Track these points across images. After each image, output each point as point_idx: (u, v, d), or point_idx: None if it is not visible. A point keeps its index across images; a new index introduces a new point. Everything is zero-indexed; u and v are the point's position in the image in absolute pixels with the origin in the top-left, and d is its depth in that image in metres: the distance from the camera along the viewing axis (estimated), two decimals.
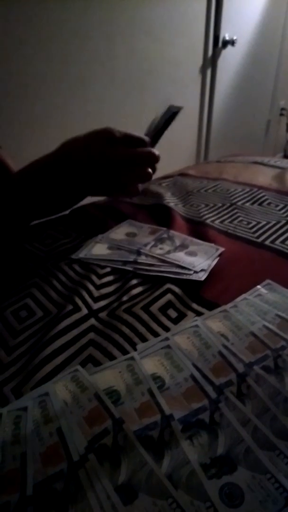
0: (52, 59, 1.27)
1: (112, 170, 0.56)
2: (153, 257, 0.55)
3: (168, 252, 0.56)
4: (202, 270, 0.51)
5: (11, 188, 0.59)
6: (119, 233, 0.63)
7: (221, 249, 0.58)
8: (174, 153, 1.83)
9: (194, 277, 0.50)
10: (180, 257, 0.55)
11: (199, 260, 0.54)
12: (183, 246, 0.59)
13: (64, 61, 1.30)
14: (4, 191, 0.59)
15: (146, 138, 0.58)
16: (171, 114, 0.59)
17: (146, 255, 0.55)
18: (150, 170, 0.58)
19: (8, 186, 0.59)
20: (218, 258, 0.55)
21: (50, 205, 0.63)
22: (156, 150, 0.57)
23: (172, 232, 0.63)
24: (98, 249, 0.58)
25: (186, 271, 0.51)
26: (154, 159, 0.57)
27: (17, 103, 1.22)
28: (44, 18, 1.19)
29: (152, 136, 0.60)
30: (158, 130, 0.60)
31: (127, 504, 0.26)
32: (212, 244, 0.60)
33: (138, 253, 0.56)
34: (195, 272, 0.51)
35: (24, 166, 0.61)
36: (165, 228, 0.64)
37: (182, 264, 0.53)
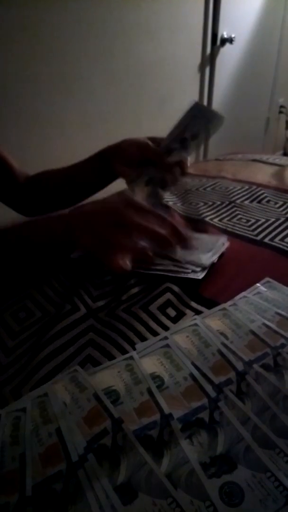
0: (50, 58, 1.26)
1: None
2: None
3: None
4: (202, 269, 0.51)
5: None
6: None
7: (222, 238, 0.58)
8: None
9: (192, 275, 0.50)
10: (182, 253, 0.55)
11: (202, 254, 0.54)
12: None
13: (62, 59, 1.30)
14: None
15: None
16: (190, 110, 0.55)
17: None
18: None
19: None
20: (223, 249, 0.56)
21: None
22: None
23: None
24: None
25: (184, 270, 0.51)
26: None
27: (16, 103, 1.22)
28: (42, 17, 1.19)
29: (170, 135, 0.57)
30: (177, 127, 0.57)
31: (127, 504, 0.26)
32: (212, 235, 0.60)
33: None
34: (193, 271, 0.51)
35: (33, 177, 0.58)
36: None
37: (187, 259, 0.53)
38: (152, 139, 0.59)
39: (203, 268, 0.51)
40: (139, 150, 0.59)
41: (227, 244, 0.57)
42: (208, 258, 0.52)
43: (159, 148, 0.58)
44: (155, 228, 0.42)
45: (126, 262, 0.41)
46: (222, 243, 0.57)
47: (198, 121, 0.56)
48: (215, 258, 0.53)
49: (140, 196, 0.59)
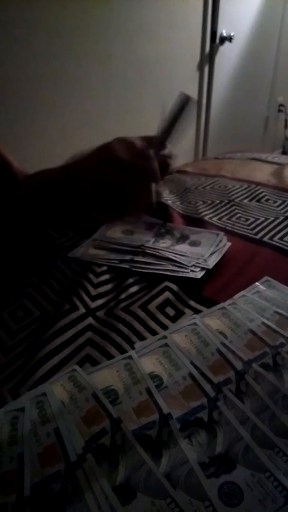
0: (50, 57, 1.26)
1: (117, 190, 0.50)
2: (157, 251, 0.55)
3: (172, 245, 0.57)
4: (201, 268, 0.51)
5: (18, 199, 0.57)
6: (115, 231, 0.63)
7: (221, 234, 0.59)
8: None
9: (191, 275, 0.50)
10: (186, 249, 0.55)
11: (205, 250, 0.55)
12: (184, 237, 0.59)
13: (62, 59, 1.29)
14: (10, 199, 0.57)
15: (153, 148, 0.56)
16: (180, 103, 0.56)
17: (145, 254, 0.55)
18: (153, 188, 0.50)
19: (14, 196, 0.57)
20: (225, 249, 0.56)
21: (54, 217, 0.61)
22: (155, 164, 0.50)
23: (168, 224, 0.64)
24: (95, 249, 0.58)
25: (183, 269, 0.51)
26: (155, 176, 0.50)
27: (16, 102, 1.21)
28: (41, 16, 1.19)
29: (163, 130, 0.58)
30: (169, 121, 0.57)
31: (126, 504, 0.26)
32: (212, 230, 0.61)
33: (136, 252, 0.56)
34: (192, 270, 0.50)
35: (31, 175, 0.61)
36: (159, 221, 0.64)
37: (190, 256, 0.53)
38: (144, 138, 0.59)
39: (202, 268, 0.51)
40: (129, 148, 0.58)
41: (228, 245, 0.57)
42: (213, 261, 0.53)
43: (152, 142, 0.58)
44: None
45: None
46: (224, 243, 0.57)
47: (181, 110, 0.56)
48: (218, 259, 0.53)
49: None
